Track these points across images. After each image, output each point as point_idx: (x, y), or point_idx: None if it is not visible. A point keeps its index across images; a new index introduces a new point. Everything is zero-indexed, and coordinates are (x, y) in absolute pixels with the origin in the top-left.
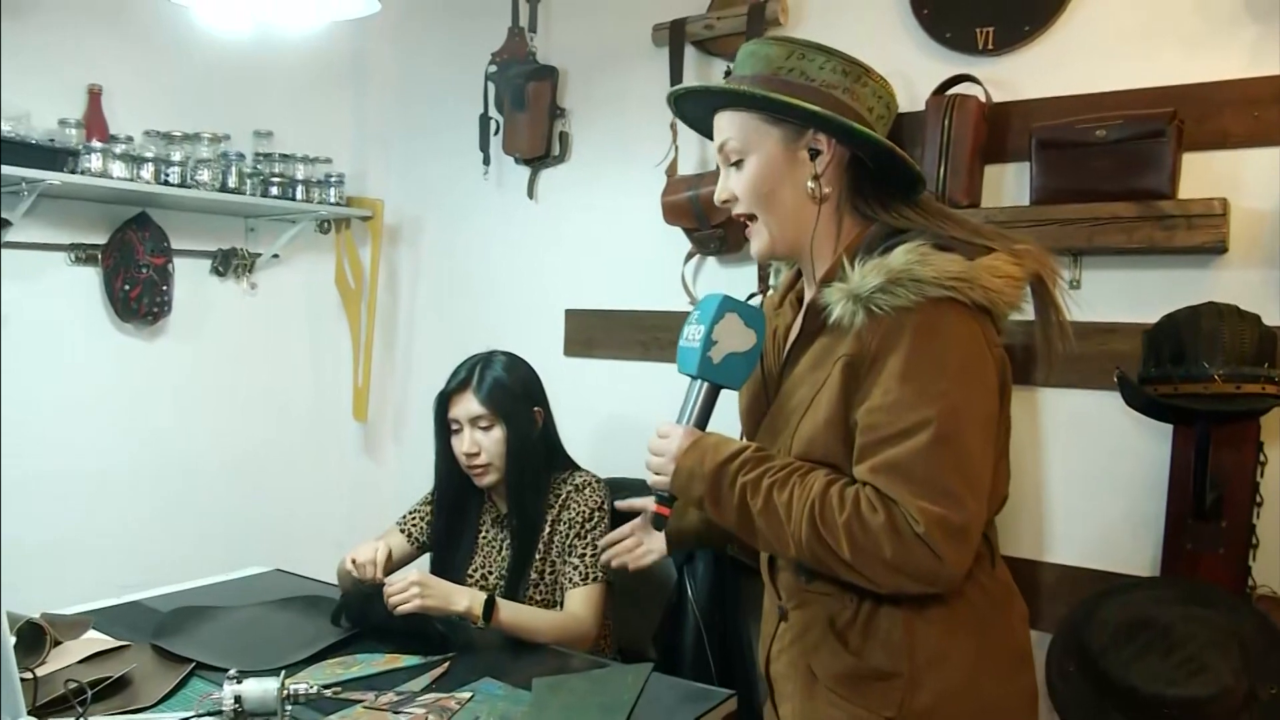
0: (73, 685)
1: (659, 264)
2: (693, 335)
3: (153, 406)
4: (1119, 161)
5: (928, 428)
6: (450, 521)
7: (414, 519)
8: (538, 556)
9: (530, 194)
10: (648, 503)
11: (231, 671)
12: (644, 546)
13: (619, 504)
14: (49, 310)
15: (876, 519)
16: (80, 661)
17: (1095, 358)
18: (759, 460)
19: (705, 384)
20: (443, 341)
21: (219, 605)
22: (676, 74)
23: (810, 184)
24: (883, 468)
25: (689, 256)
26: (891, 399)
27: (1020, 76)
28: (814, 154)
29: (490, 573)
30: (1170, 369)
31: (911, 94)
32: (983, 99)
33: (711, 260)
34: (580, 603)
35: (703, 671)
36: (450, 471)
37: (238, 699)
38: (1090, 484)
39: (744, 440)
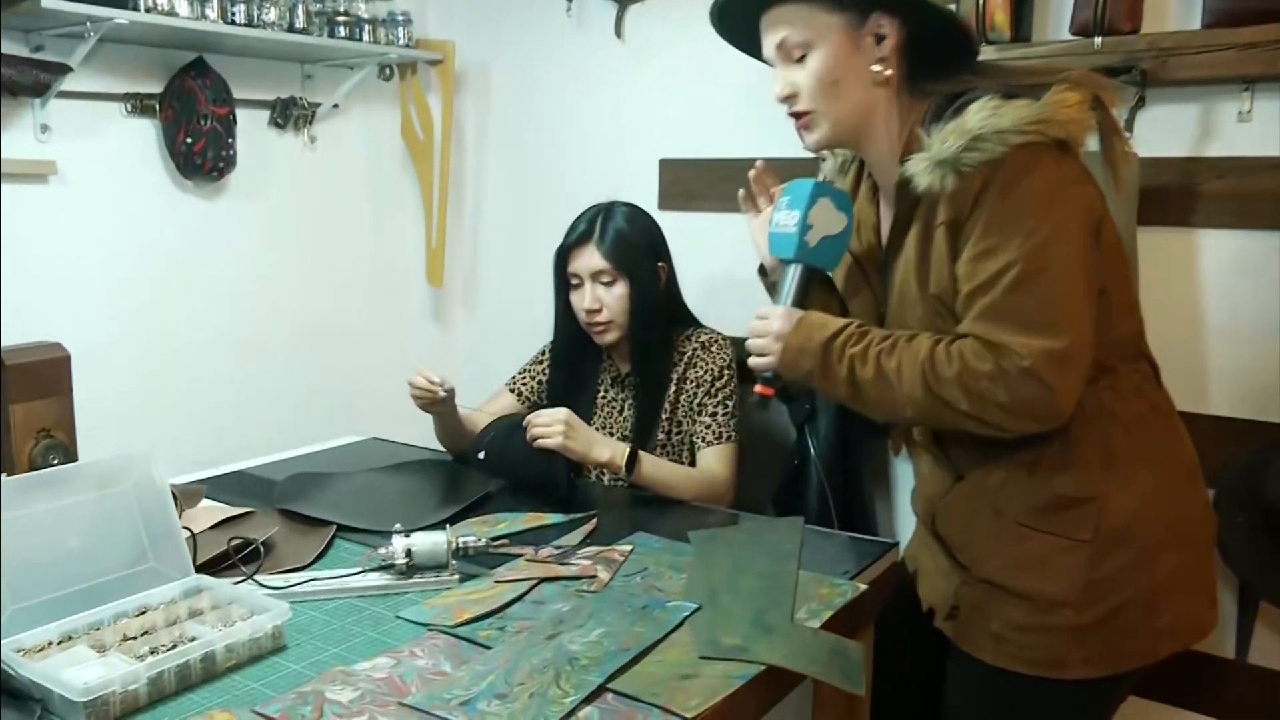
0: (237, 541)
1: (764, 106)
2: (786, 220)
3: (218, 272)
4: None
5: (1015, 266)
6: (568, 381)
7: (525, 378)
8: (664, 416)
9: (618, 33)
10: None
11: (397, 526)
12: None
13: None
14: (106, 167)
15: (985, 366)
16: (211, 528)
17: (1263, 196)
18: (863, 333)
19: (801, 267)
20: (517, 200)
21: (330, 471)
22: None
23: (875, 68)
24: (982, 315)
25: None
26: (981, 248)
27: None
28: (879, 39)
29: (612, 434)
30: None
31: None
32: None
33: None
34: (715, 461)
35: None
36: (569, 329)
37: (409, 552)
38: (1254, 332)
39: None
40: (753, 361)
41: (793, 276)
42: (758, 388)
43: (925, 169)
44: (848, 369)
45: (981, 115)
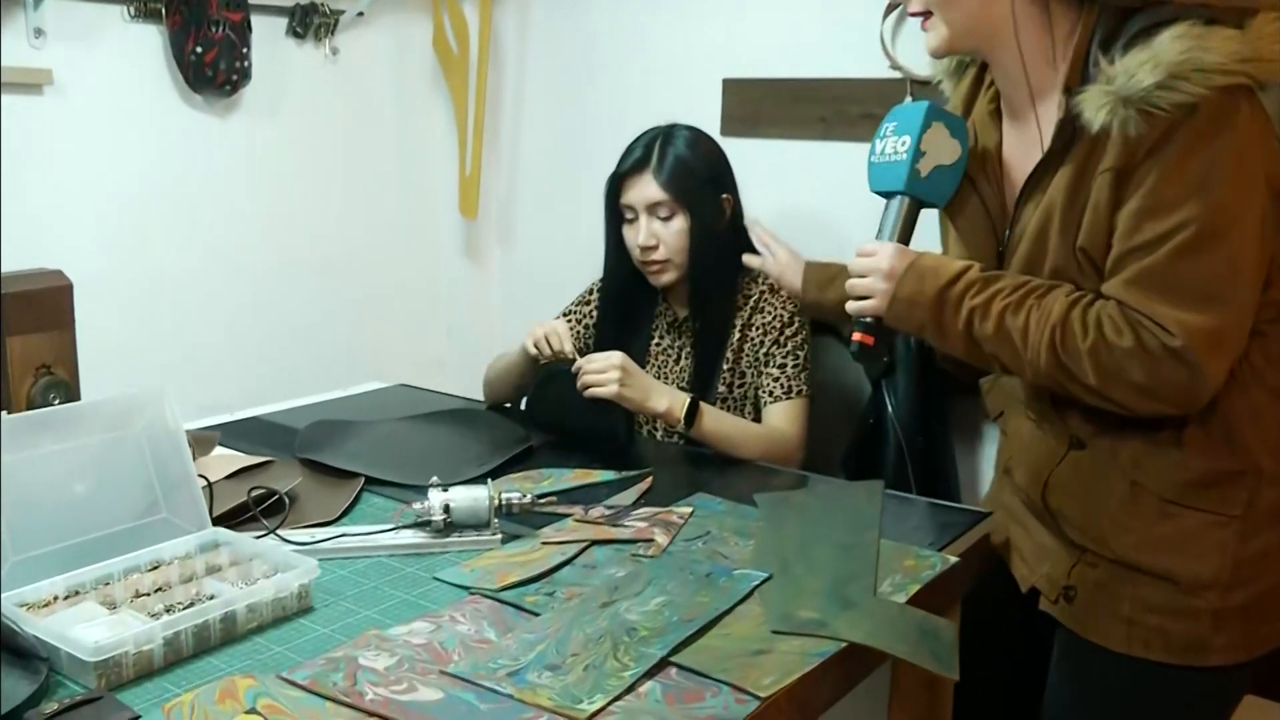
0: (258, 492)
1: (843, 19)
2: (893, 148)
3: (229, 197)
4: None
5: (1189, 227)
6: (619, 325)
7: (570, 321)
8: (725, 367)
9: None
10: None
11: (434, 479)
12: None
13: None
14: (107, 78)
15: (1123, 342)
16: (226, 478)
17: None
18: (987, 281)
19: (908, 200)
20: (562, 122)
21: (356, 420)
22: None
23: None
24: (1136, 279)
25: (890, 8)
26: (1150, 202)
27: None
28: None
29: (666, 384)
30: None
31: None
32: None
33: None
34: (783, 417)
35: None
36: (620, 268)
37: (447, 508)
38: None
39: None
40: (853, 305)
41: (898, 212)
42: (857, 335)
43: (1104, 105)
44: (965, 323)
45: (1182, 45)
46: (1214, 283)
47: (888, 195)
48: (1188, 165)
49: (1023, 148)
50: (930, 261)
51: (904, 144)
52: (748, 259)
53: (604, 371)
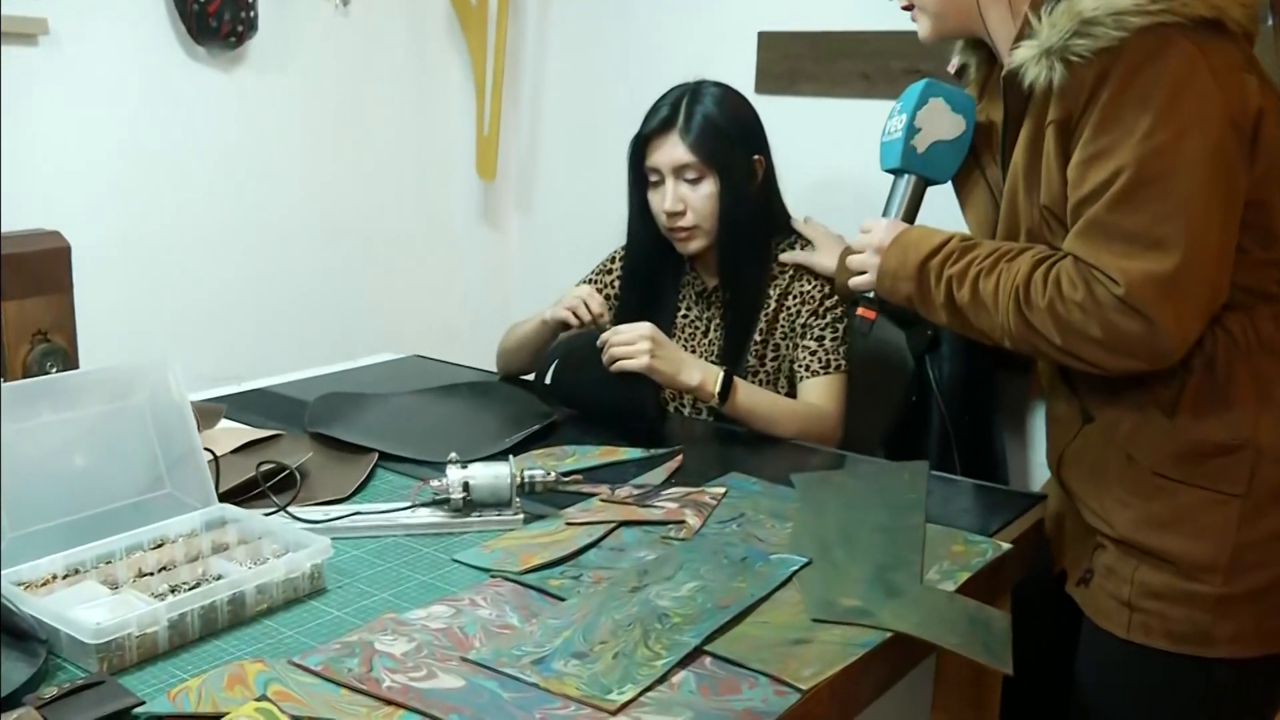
0: (267, 467)
1: None
2: (894, 126)
3: (235, 156)
4: None
5: (1125, 173)
6: (644, 295)
7: (598, 284)
8: (757, 339)
9: None
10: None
11: (452, 455)
12: None
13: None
14: (106, 28)
15: (1076, 294)
16: (233, 452)
17: None
18: (965, 250)
19: (911, 178)
20: (585, 79)
21: (368, 392)
22: None
23: None
24: (1083, 231)
25: None
26: (1090, 151)
27: None
28: None
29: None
30: None
31: None
32: None
33: None
34: (820, 394)
35: None
36: (645, 234)
37: (466, 486)
38: None
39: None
40: (854, 280)
41: (901, 190)
42: (860, 310)
43: (1033, 59)
44: (945, 293)
45: None
46: (1156, 226)
47: (894, 173)
48: (1118, 111)
49: None
50: (916, 234)
51: (901, 121)
52: (787, 257)
53: (633, 343)
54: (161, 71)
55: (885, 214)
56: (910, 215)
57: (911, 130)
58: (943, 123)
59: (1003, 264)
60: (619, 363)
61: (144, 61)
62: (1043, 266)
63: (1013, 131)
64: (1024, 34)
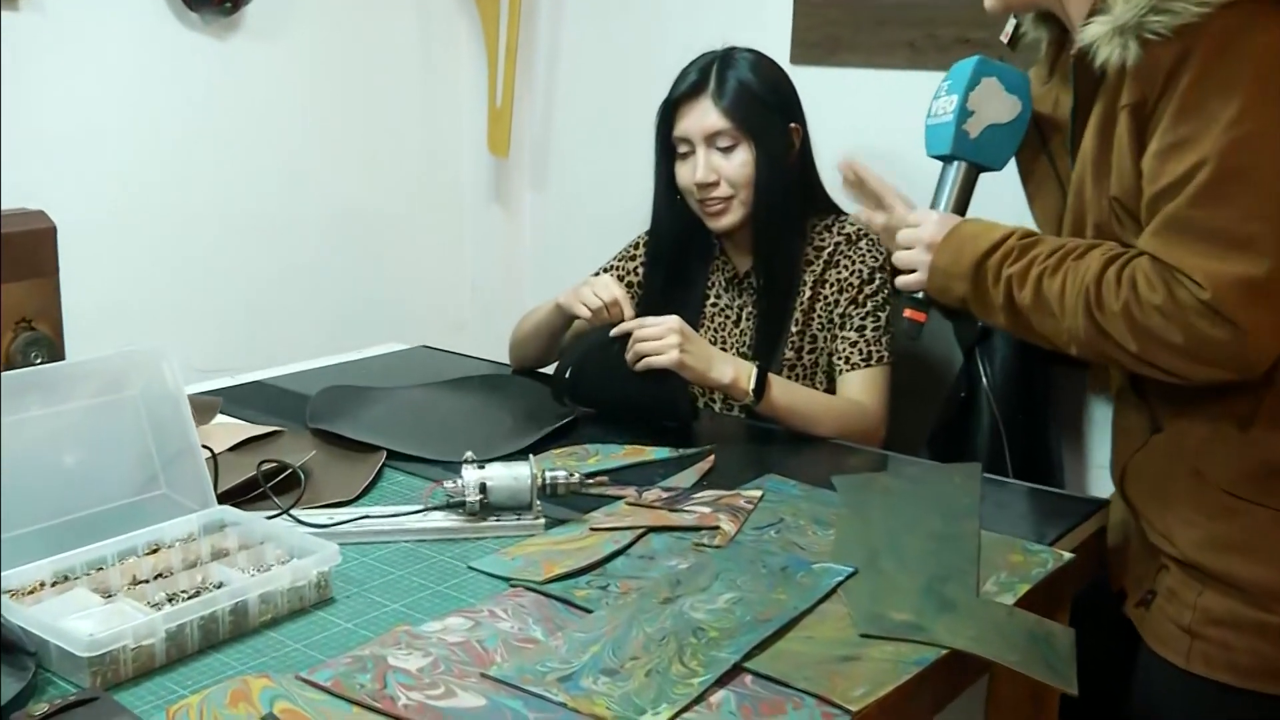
0: (268, 466)
1: None
2: (943, 108)
3: (230, 132)
4: None
5: (1207, 165)
6: (670, 281)
7: (620, 271)
8: (793, 329)
9: None
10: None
11: (468, 455)
12: None
13: None
14: None
15: (1155, 297)
16: (230, 450)
17: None
18: (1026, 247)
19: (963, 165)
20: (605, 48)
21: (373, 386)
22: None
23: None
24: (1161, 228)
25: None
26: (1170, 140)
27: None
28: None
29: (725, 349)
30: None
31: None
32: None
33: None
34: (862, 388)
35: None
36: (673, 211)
37: (483, 488)
38: None
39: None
40: (901, 280)
41: (952, 178)
42: (907, 312)
43: (1105, 36)
44: (1004, 294)
45: None
46: (1244, 224)
47: (943, 159)
48: (1200, 96)
49: None
50: (971, 229)
51: (951, 104)
52: (857, 214)
53: (661, 338)
54: (152, 39)
55: (934, 205)
56: (961, 207)
57: (963, 114)
58: (997, 105)
59: (1069, 262)
60: (646, 359)
61: (133, 29)
62: (1114, 265)
63: (1083, 116)
64: (1097, 8)
